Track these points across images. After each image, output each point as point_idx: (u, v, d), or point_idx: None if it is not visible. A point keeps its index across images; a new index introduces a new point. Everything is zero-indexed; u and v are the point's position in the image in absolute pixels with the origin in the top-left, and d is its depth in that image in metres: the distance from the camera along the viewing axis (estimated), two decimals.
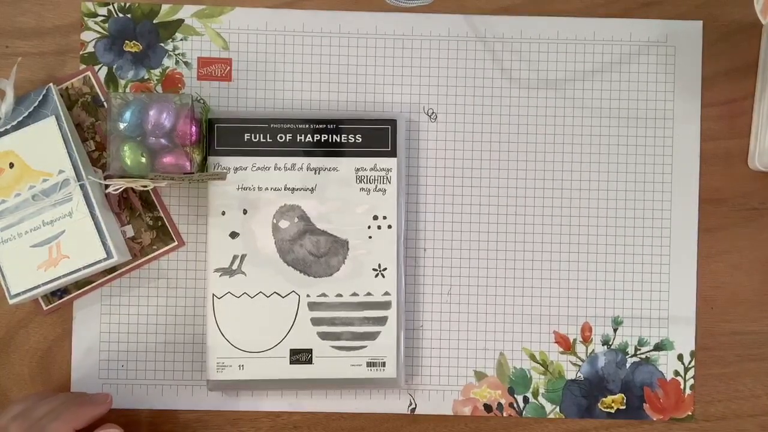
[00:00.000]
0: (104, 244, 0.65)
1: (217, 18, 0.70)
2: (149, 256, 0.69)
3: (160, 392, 0.69)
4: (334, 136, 0.67)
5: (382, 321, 0.67)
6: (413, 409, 0.69)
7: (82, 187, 0.65)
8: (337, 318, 0.67)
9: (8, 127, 0.66)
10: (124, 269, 0.69)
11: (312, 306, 0.67)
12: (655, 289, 0.69)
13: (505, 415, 0.69)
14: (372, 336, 0.67)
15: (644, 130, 0.70)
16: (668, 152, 0.70)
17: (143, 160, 0.65)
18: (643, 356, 0.69)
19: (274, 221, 0.67)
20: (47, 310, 0.68)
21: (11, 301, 0.65)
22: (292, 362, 0.67)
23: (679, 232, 0.70)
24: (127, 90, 0.69)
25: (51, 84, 0.67)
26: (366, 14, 0.70)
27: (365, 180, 0.67)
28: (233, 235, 0.67)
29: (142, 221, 0.69)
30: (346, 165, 0.67)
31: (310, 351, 0.67)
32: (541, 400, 0.69)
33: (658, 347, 0.69)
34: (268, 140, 0.67)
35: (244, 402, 0.69)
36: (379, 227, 0.67)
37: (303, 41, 0.70)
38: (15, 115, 0.66)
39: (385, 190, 0.67)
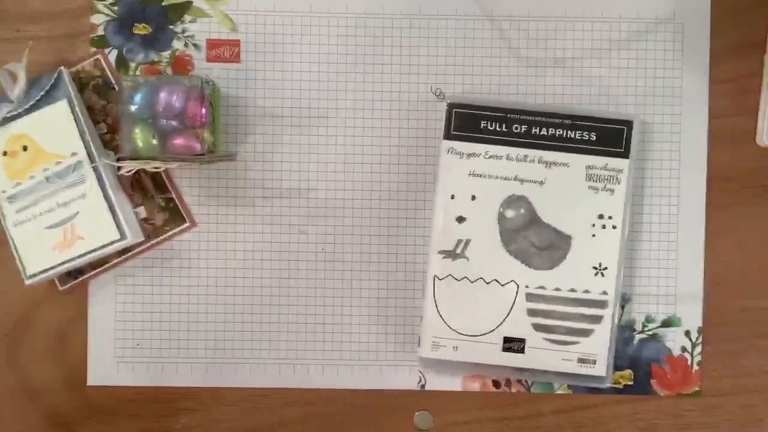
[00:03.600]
0: (118, 224, 0.66)
1: (225, 0, 0.70)
2: (162, 237, 0.70)
3: (174, 369, 0.70)
4: (569, 132, 0.67)
5: (597, 319, 0.67)
6: (423, 385, 0.70)
7: (95, 169, 0.66)
8: (553, 311, 0.67)
9: (21, 110, 0.67)
10: (137, 250, 0.70)
11: (529, 297, 0.67)
12: (662, 266, 0.70)
13: (513, 390, 0.70)
14: (586, 333, 0.67)
15: (652, 108, 0.70)
16: (676, 130, 0.70)
17: (154, 141, 0.66)
18: (651, 333, 0.70)
19: (501, 210, 0.67)
20: (63, 290, 0.70)
21: (28, 282, 0.66)
22: (504, 350, 0.67)
23: (687, 210, 0.70)
24: (138, 73, 0.70)
25: (62, 67, 0.68)
26: None
27: (594, 178, 0.67)
28: (460, 219, 0.68)
29: (155, 202, 0.70)
30: (578, 162, 0.67)
31: (523, 341, 0.67)
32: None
33: (666, 324, 0.70)
34: (504, 129, 0.67)
35: (256, 378, 0.70)
36: (603, 226, 0.67)
37: (311, 22, 0.70)
38: (27, 98, 0.67)
39: (613, 191, 0.67)
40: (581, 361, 0.68)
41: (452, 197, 0.68)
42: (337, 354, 0.70)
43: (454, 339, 0.68)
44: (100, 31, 0.70)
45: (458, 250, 0.68)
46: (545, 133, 0.68)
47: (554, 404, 0.70)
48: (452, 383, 0.70)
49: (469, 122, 0.68)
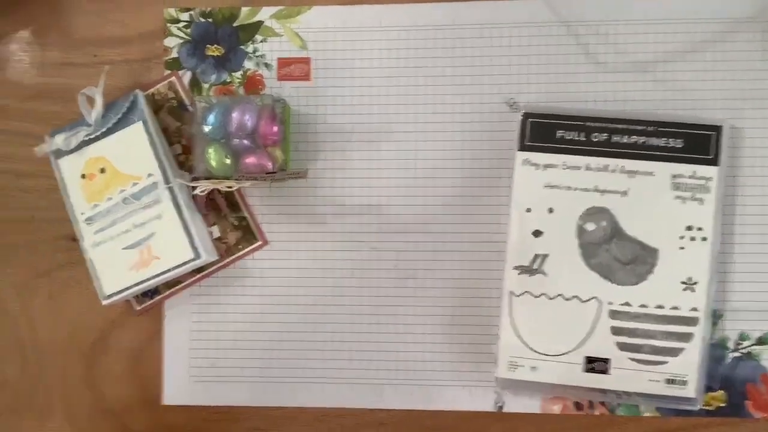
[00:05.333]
0: (192, 244, 0.67)
1: (295, 18, 0.70)
2: (235, 256, 0.70)
3: (248, 389, 0.70)
4: (653, 139, 0.65)
5: (687, 338, 0.64)
6: (500, 407, 0.68)
7: (170, 189, 0.67)
8: (639, 329, 0.64)
9: (98, 133, 0.68)
10: (211, 269, 0.70)
11: (613, 314, 0.65)
12: (756, 279, 0.66)
13: (597, 413, 0.67)
14: (674, 352, 0.64)
15: (741, 112, 0.66)
16: None
17: (227, 161, 0.66)
18: (745, 351, 0.66)
19: (580, 223, 0.65)
20: (139, 310, 0.71)
21: (104, 302, 0.68)
22: (586, 370, 0.65)
23: None
24: (211, 93, 0.71)
25: (138, 90, 0.69)
26: (442, 5, 0.69)
27: (682, 188, 0.64)
28: (536, 233, 0.66)
29: (227, 222, 0.70)
30: (663, 170, 0.64)
31: (607, 361, 0.64)
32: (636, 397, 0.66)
33: (761, 341, 0.65)
34: (582, 138, 0.65)
35: (329, 398, 0.69)
36: (692, 239, 0.64)
37: (380, 36, 0.69)
38: (104, 121, 0.68)
39: (702, 200, 0.64)
40: (670, 381, 0.64)
41: (528, 210, 0.65)
42: (411, 374, 0.68)
43: (533, 359, 0.65)
44: (174, 54, 0.71)
45: (535, 266, 0.65)
46: (627, 141, 0.65)
47: (641, 428, 0.67)
48: (531, 405, 0.67)
49: (544, 132, 0.65)
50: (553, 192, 0.65)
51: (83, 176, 0.68)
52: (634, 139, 0.65)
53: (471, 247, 0.68)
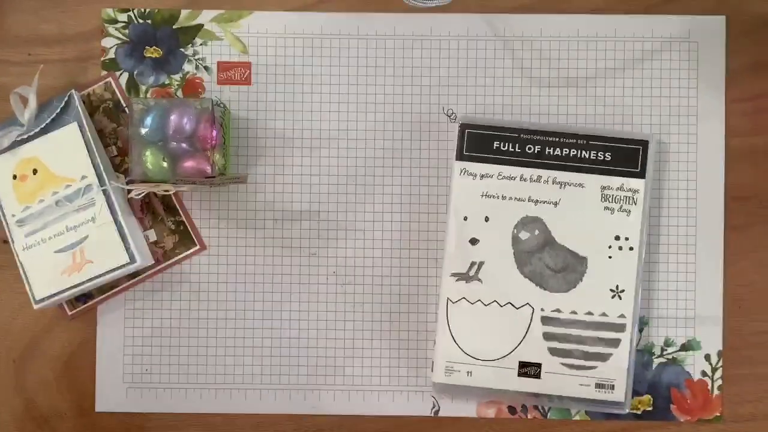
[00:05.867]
0: (127, 248, 0.66)
1: (236, 22, 0.70)
2: (172, 261, 0.69)
3: (184, 395, 0.69)
4: (584, 152, 0.67)
5: (614, 343, 0.66)
6: (436, 412, 0.69)
7: (104, 192, 0.66)
8: (570, 335, 0.66)
9: (31, 133, 0.67)
10: (147, 273, 0.69)
11: (545, 320, 0.66)
12: (681, 288, 0.68)
13: (529, 417, 0.69)
14: (603, 357, 0.66)
15: (668, 127, 0.69)
16: (692, 149, 0.69)
17: (165, 164, 0.66)
18: (670, 357, 0.68)
19: (515, 231, 0.67)
20: (72, 315, 0.69)
21: (36, 306, 0.66)
22: (520, 374, 0.66)
23: (704, 231, 0.69)
24: (148, 95, 0.70)
25: (73, 90, 0.68)
26: (384, 15, 0.70)
27: (610, 199, 0.66)
28: (473, 241, 0.67)
29: (165, 226, 0.69)
30: (593, 182, 0.66)
31: (539, 365, 0.66)
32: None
33: (685, 347, 0.68)
34: (517, 150, 0.67)
35: (266, 404, 0.69)
36: (620, 248, 0.66)
37: (322, 43, 0.70)
38: (38, 121, 0.67)
39: (629, 211, 0.66)
40: (599, 386, 0.66)
41: (465, 219, 0.67)
42: (348, 380, 0.69)
43: (469, 364, 0.67)
44: (111, 54, 0.70)
45: (471, 273, 0.67)
46: (559, 153, 0.67)
47: (571, 431, 0.69)
48: (467, 409, 0.69)
49: (481, 143, 0.67)
50: (489, 201, 0.67)
51: (15, 177, 0.67)
52: (565, 151, 0.67)
53: (409, 254, 0.69)
